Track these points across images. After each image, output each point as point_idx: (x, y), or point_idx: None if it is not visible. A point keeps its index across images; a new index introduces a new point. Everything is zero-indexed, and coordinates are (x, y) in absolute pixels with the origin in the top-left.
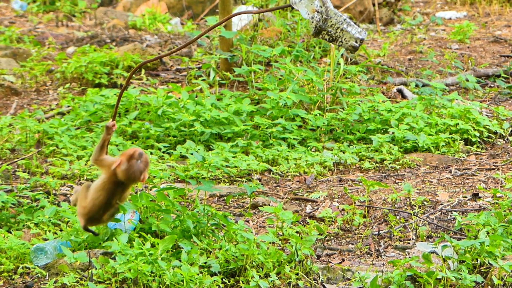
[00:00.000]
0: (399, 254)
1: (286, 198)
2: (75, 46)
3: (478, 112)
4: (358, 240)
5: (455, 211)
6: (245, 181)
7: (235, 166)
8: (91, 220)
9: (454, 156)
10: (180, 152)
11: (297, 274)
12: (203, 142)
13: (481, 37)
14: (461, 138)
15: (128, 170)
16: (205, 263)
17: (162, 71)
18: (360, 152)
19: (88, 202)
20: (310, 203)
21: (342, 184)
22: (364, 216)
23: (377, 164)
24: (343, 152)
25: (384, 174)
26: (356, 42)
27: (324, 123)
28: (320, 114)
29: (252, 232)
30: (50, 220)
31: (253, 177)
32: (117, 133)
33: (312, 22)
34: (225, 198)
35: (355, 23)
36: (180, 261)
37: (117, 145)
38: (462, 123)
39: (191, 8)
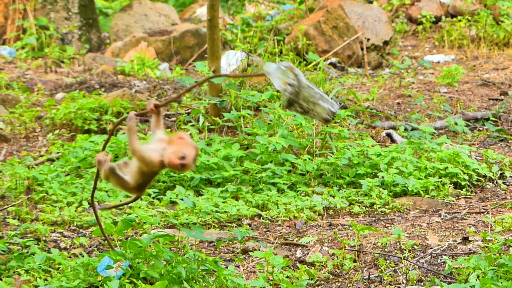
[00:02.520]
0: None
1: (276, 243)
2: (64, 92)
3: (467, 155)
4: (348, 285)
5: (445, 254)
6: (235, 226)
7: (225, 212)
8: (141, 189)
9: (443, 199)
10: (170, 198)
11: None
12: (193, 188)
13: (470, 81)
14: (450, 182)
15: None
16: None
17: (151, 117)
18: (349, 197)
19: (135, 179)
20: (300, 248)
21: (332, 229)
22: (355, 261)
23: (367, 208)
24: (333, 197)
25: (374, 218)
26: (328, 115)
27: (313, 167)
28: (309, 158)
29: (242, 277)
30: (40, 266)
31: (243, 222)
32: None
33: (285, 95)
34: (215, 243)
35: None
36: None
37: (106, 191)
38: (451, 166)
39: (180, 54)
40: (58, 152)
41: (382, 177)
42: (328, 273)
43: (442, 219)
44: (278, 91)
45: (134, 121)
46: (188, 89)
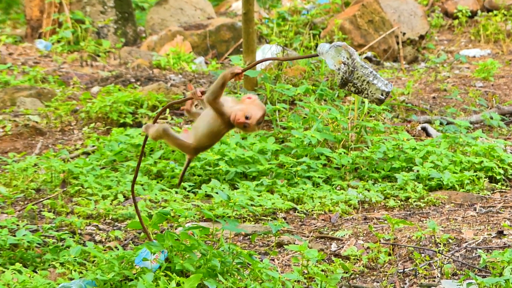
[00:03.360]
0: None
1: (311, 236)
2: (100, 86)
3: (503, 149)
4: (383, 278)
5: (480, 248)
6: (270, 220)
7: (260, 205)
8: (197, 152)
9: (478, 193)
10: (205, 191)
11: None
12: (228, 181)
13: (505, 75)
14: (485, 176)
15: (247, 127)
16: None
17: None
18: (384, 190)
19: (199, 140)
20: (335, 241)
21: (367, 222)
22: (389, 254)
23: (402, 202)
24: (368, 190)
25: (409, 212)
26: (382, 94)
27: (348, 161)
28: (344, 152)
29: (277, 271)
30: (75, 259)
31: (278, 215)
32: (142, 173)
33: (339, 74)
34: (250, 237)
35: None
36: None
37: (142, 185)
38: (486, 160)
39: (215, 47)
40: (93, 146)
41: (417, 171)
42: (363, 266)
43: (477, 213)
44: (331, 71)
45: (231, 74)
46: (253, 64)
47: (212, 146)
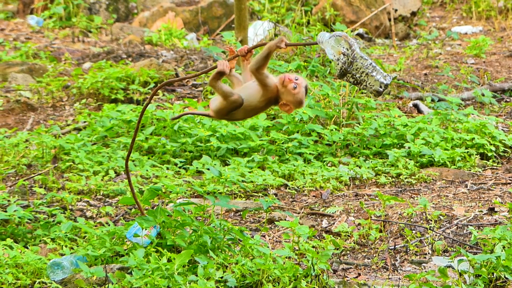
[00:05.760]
0: (415, 268)
1: (302, 213)
2: (91, 62)
3: (494, 126)
4: (374, 255)
5: (471, 225)
6: (261, 196)
7: (251, 181)
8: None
9: (470, 170)
10: (197, 167)
11: None
12: (219, 157)
13: (497, 52)
14: (477, 153)
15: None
16: (222, 277)
17: (178, 87)
18: (376, 167)
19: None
20: (326, 218)
21: (358, 199)
22: (380, 231)
23: (393, 179)
24: (359, 167)
25: (400, 189)
26: (380, 87)
27: (340, 138)
28: (336, 129)
29: (268, 247)
30: (66, 235)
31: (269, 192)
32: (133, 149)
33: (338, 64)
34: (241, 213)
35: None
36: (197, 275)
37: (133, 161)
38: (478, 137)
39: (207, 24)
40: (84, 121)
41: (409, 147)
42: (354, 243)
43: (468, 189)
44: (330, 60)
45: (276, 46)
46: (254, 46)
47: (241, 120)
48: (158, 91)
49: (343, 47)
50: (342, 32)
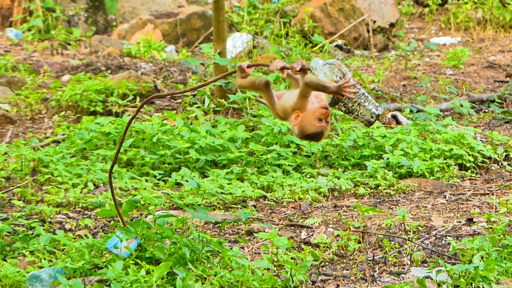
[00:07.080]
0: (393, 279)
1: (281, 224)
2: (70, 74)
3: (473, 137)
4: (353, 266)
5: (449, 236)
6: (240, 208)
7: (230, 193)
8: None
9: (448, 181)
10: (175, 179)
11: None
12: (198, 169)
13: (476, 63)
14: (455, 163)
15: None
16: None
17: (156, 99)
18: (354, 178)
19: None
20: (305, 229)
21: (337, 210)
22: (359, 242)
23: (372, 190)
24: (338, 178)
25: (378, 200)
26: (371, 117)
27: (318, 149)
28: None
29: (247, 259)
30: (45, 247)
31: (248, 203)
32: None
33: None
34: (220, 225)
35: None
36: (175, 287)
37: (112, 173)
38: (456, 148)
39: (186, 36)
40: (63, 134)
41: (387, 158)
42: (333, 254)
43: (447, 200)
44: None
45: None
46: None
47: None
48: (137, 103)
49: (337, 76)
50: (336, 60)
